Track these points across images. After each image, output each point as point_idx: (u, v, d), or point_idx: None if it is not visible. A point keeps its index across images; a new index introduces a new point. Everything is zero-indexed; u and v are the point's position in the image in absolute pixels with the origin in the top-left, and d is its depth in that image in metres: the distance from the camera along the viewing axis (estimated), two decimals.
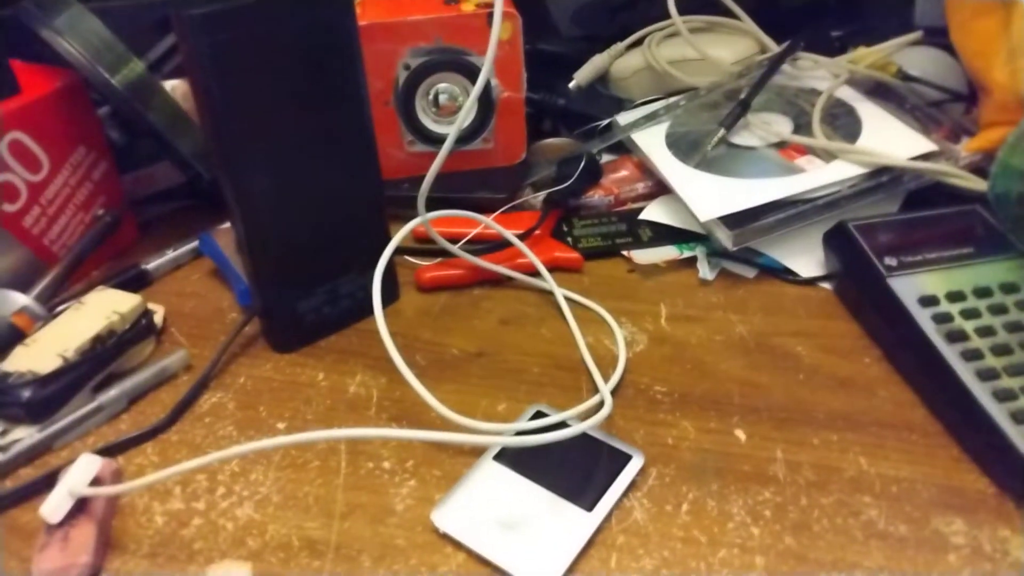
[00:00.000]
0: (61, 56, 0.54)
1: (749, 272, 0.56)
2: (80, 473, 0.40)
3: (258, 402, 0.48)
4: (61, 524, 0.40)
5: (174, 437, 0.47)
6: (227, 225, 0.60)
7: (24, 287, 0.53)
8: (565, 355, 0.51)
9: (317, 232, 0.50)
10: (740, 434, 0.45)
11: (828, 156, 0.58)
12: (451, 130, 0.51)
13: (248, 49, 0.43)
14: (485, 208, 0.61)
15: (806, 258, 0.56)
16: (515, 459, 0.42)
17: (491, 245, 0.57)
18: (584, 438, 0.43)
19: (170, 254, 0.60)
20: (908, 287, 0.48)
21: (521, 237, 0.57)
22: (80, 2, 0.55)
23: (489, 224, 0.55)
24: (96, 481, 0.41)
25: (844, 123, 0.61)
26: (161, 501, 0.42)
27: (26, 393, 0.46)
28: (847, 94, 0.64)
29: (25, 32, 0.55)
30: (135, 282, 0.58)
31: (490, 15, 0.60)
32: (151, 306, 0.54)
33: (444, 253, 0.57)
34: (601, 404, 0.45)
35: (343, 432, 0.38)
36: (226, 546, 0.40)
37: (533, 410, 0.46)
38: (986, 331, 0.45)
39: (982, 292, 0.48)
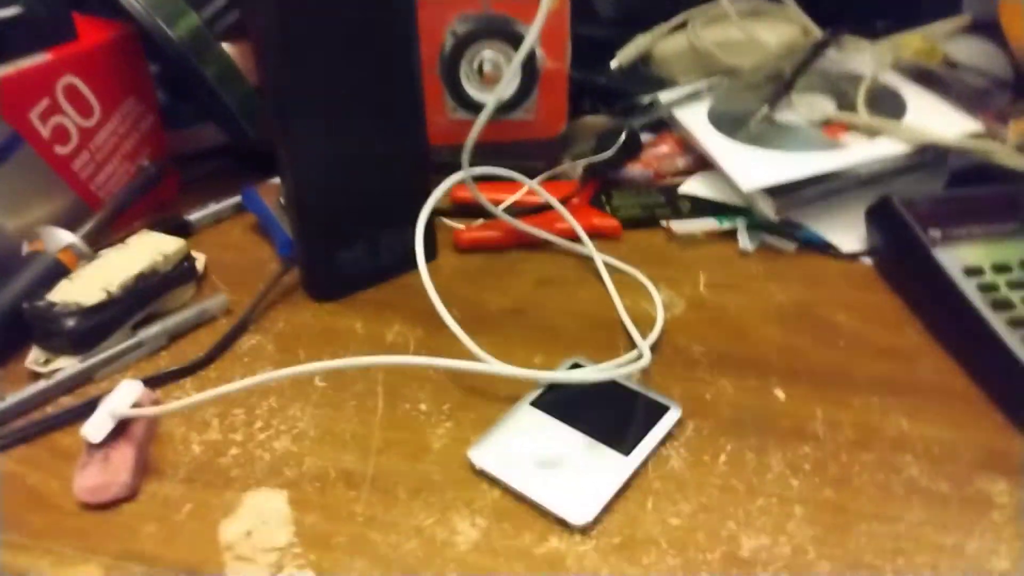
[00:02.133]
0: (121, 7, 0.55)
1: (789, 246, 0.56)
2: (122, 396, 0.41)
3: (296, 345, 0.49)
4: (101, 445, 0.40)
5: (212, 374, 0.47)
6: (271, 181, 0.60)
7: (69, 229, 0.54)
8: (603, 315, 0.51)
9: (363, 186, 0.50)
10: (779, 393, 0.44)
11: (872, 135, 0.58)
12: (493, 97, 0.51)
13: (313, 8, 0.43)
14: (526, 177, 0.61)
15: (848, 233, 0.55)
16: (552, 405, 0.42)
17: (530, 209, 0.57)
18: (621, 388, 0.43)
19: (212, 207, 0.61)
20: (953, 258, 0.48)
21: (560, 203, 0.57)
22: None
23: (531, 186, 0.55)
24: (136, 406, 0.42)
25: (888, 104, 0.61)
26: (199, 431, 0.43)
27: (70, 323, 0.46)
28: (891, 79, 0.64)
29: None
30: (177, 231, 0.58)
31: None
32: (193, 254, 0.54)
33: (483, 216, 0.57)
34: (639, 357, 0.45)
35: (383, 359, 0.39)
36: (262, 475, 0.40)
37: (570, 362, 0.46)
38: None
39: None
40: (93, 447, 0.40)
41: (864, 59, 0.67)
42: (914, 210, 0.51)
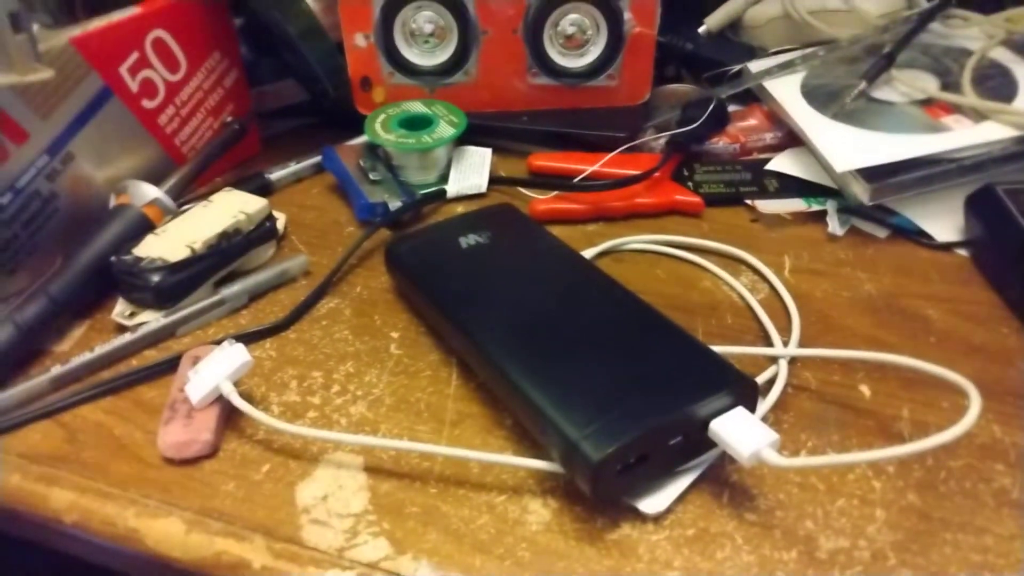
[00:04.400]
0: None
1: (880, 232, 0.54)
2: (230, 367, 0.41)
3: (373, 311, 0.49)
4: (186, 402, 0.41)
5: (292, 335, 0.48)
6: (351, 142, 0.60)
7: (154, 182, 0.55)
8: (680, 296, 0.50)
9: None
10: (865, 390, 0.43)
11: (978, 117, 0.54)
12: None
13: None
14: (605, 147, 0.60)
15: (943, 221, 0.53)
16: None
17: (609, 183, 0.56)
18: None
19: (292, 166, 0.61)
20: None
21: (640, 178, 0.56)
22: None
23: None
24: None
25: (997, 84, 0.57)
26: (278, 392, 0.44)
27: (155, 278, 0.47)
28: (1002, 55, 0.60)
29: None
30: (258, 190, 0.59)
31: None
32: (274, 213, 0.55)
33: (561, 187, 0.57)
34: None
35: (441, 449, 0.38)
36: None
37: None
38: None
39: None
40: (177, 403, 0.41)
41: (972, 33, 0.63)
42: (1019, 201, 0.48)
